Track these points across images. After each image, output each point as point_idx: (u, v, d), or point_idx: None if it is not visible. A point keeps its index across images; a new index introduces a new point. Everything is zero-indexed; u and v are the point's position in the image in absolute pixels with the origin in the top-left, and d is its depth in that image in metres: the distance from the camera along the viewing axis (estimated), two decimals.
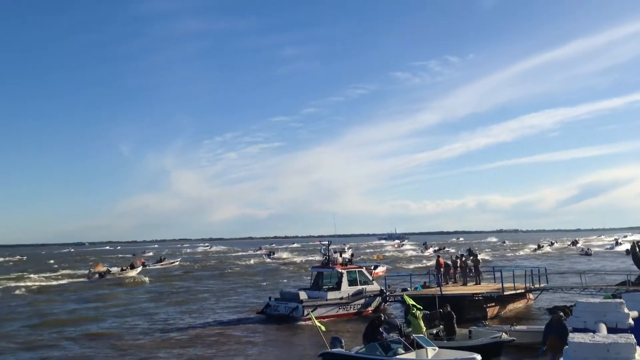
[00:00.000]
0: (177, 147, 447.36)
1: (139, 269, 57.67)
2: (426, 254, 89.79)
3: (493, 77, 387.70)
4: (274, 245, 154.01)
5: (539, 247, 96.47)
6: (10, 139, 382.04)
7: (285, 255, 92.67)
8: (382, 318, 16.75)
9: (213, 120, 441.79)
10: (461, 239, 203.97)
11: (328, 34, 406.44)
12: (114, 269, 57.04)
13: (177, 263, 77.37)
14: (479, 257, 34.98)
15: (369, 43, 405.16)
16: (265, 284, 44.44)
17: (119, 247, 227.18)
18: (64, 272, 62.05)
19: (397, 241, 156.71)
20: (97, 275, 52.97)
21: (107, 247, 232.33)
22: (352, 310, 26.29)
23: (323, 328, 15.68)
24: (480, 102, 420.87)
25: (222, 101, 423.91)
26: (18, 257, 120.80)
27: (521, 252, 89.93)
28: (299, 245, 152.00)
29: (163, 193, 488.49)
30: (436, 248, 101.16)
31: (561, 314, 14.00)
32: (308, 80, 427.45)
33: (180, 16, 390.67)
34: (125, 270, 56.35)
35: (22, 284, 47.33)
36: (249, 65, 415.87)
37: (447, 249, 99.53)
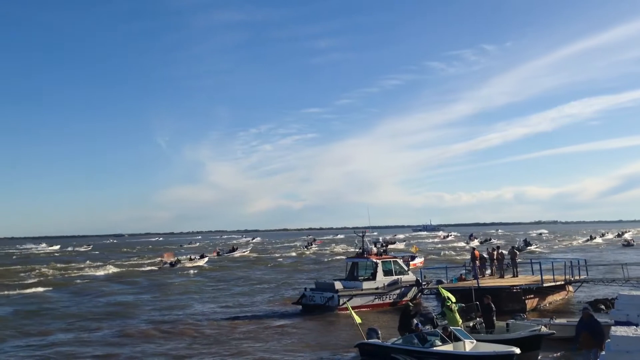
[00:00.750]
0: (213, 139, 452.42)
1: (206, 258, 61.27)
2: (472, 245, 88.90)
3: (531, 65, 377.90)
4: (311, 236, 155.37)
5: (591, 238, 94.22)
6: (54, 130, 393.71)
7: (334, 246, 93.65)
8: (411, 306, 16.74)
9: (248, 112, 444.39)
10: (500, 230, 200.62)
11: (362, 24, 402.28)
12: (183, 258, 60.77)
13: (247, 252, 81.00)
14: (533, 247, 34.19)
15: (403, 33, 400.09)
16: (316, 273, 45.52)
17: (160, 239, 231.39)
18: (140, 260, 68.28)
19: (441, 233, 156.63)
20: (168, 264, 56.25)
21: (156, 238, 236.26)
22: (387, 300, 26.40)
23: (358, 320, 15.74)
24: (518, 91, 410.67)
25: (257, 93, 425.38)
26: (85, 246, 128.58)
27: (573, 243, 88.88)
28: (342, 237, 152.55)
29: (199, 185, 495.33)
30: (482, 240, 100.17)
31: (591, 309, 14.13)
32: (342, 71, 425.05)
33: (219, 8, 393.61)
34: (193, 259, 59.66)
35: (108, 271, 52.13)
36: (283, 57, 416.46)
37: (492, 240, 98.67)
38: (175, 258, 59.61)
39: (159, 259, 61.20)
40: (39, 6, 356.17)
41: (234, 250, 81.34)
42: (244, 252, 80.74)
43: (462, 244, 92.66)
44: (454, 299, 17.32)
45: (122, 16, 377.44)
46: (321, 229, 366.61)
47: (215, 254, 74.04)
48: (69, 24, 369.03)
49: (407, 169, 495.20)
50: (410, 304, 17.27)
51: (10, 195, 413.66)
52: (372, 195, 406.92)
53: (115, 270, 52.87)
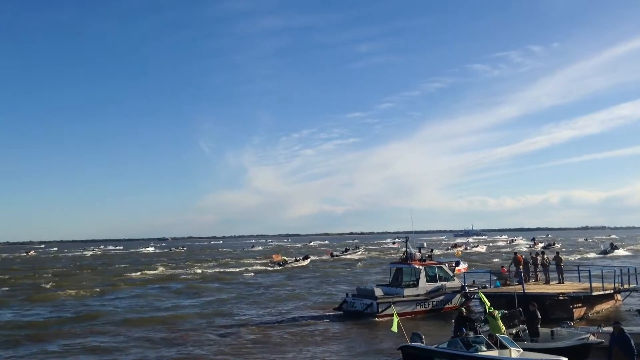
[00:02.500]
0: (255, 144, 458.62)
1: (309, 260, 68.12)
2: (536, 249, 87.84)
3: (579, 66, 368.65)
4: (357, 240, 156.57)
5: None
6: (100, 138, 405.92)
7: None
8: (465, 312, 16.64)
9: (290, 116, 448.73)
10: (549, 235, 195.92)
11: (404, 27, 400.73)
12: (290, 259, 67.31)
13: (360, 253, 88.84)
14: (622, 251, 32.85)
15: (446, 35, 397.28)
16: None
17: (212, 242, 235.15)
18: (244, 261, 75.54)
19: (505, 236, 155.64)
20: (277, 265, 62.69)
21: (212, 243, 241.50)
22: (429, 307, 26.06)
23: (394, 328, 15.67)
24: (565, 93, 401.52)
25: (299, 98, 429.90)
26: (180, 248, 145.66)
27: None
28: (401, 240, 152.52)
29: (241, 190, 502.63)
30: (545, 244, 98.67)
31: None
32: (383, 75, 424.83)
33: (261, 14, 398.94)
34: (298, 260, 66.82)
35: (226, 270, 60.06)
36: (325, 62, 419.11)
37: (556, 244, 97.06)
38: (283, 259, 66.22)
39: (270, 260, 68.13)
40: (92, 18, 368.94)
41: (346, 251, 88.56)
42: (356, 251, 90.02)
43: (524, 248, 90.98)
44: (488, 304, 17.04)
45: (168, 26, 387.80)
46: (362, 233, 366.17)
47: (329, 254, 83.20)
48: (120, 36, 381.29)
49: (450, 173, 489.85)
50: (464, 309, 17.15)
51: (56, 200, 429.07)
52: (413, 199, 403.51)
53: (257, 268, 61.61)
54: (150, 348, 20.30)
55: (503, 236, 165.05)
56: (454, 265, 39.41)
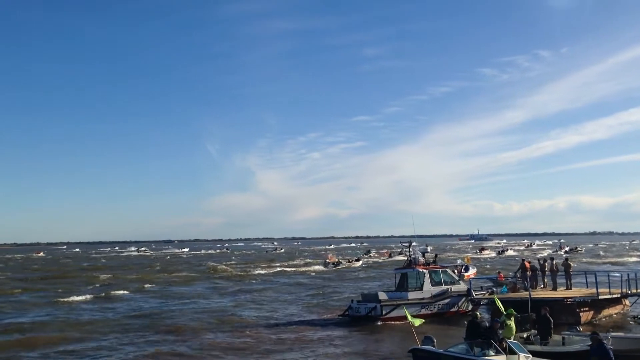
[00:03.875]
0: (262, 147, 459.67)
1: (361, 261, 72.63)
2: (561, 253, 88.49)
3: (588, 71, 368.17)
4: (365, 244, 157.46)
5: None
6: (107, 139, 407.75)
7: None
8: (479, 316, 16.55)
9: (297, 120, 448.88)
10: (562, 240, 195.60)
11: (413, 31, 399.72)
12: (343, 260, 72.35)
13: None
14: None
15: (454, 40, 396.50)
16: None
17: (226, 245, 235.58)
18: (298, 262, 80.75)
19: (525, 241, 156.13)
20: (332, 265, 67.49)
21: (226, 245, 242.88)
22: (434, 310, 26.03)
23: (416, 323, 15.81)
24: (574, 98, 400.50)
25: (306, 101, 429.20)
26: (203, 250, 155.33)
27: None
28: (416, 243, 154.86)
29: (248, 192, 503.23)
30: (567, 248, 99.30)
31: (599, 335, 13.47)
32: (391, 79, 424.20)
33: (268, 17, 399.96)
34: (351, 261, 71.13)
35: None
36: (332, 65, 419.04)
37: (579, 249, 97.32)
38: (338, 260, 71.71)
39: (325, 260, 73.76)
40: (101, 19, 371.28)
41: (401, 252, 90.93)
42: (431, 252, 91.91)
43: (545, 253, 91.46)
44: (502, 308, 17.01)
45: (176, 28, 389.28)
46: (368, 237, 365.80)
47: (387, 254, 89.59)
48: (129, 37, 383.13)
49: (456, 177, 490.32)
50: (478, 314, 17.04)
51: (61, 202, 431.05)
52: (419, 203, 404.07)
53: (317, 268, 66.57)
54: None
55: (524, 241, 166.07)
56: (462, 270, 39.27)
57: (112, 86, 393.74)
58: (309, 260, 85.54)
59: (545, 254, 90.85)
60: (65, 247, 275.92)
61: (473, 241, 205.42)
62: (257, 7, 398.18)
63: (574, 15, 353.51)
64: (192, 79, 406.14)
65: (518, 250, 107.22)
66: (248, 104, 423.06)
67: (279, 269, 66.45)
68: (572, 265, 29.07)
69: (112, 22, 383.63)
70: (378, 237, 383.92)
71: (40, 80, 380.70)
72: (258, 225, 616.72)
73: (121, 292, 40.53)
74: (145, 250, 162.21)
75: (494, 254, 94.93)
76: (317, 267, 67.60)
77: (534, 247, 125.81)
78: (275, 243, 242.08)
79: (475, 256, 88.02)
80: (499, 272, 33.02)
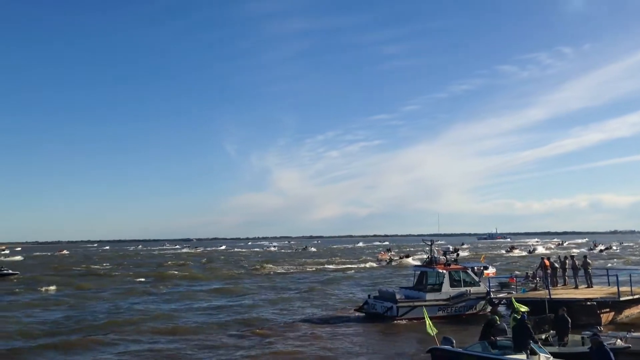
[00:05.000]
0: (280, 146, 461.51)
1: (410, 257, 73.31)
2: (595, 252, 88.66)
3: (610, 68, 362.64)
4: (387, 243, 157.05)
5: None
6: (125, 138, 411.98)
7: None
8: (497, 319, 16.53)
9: (315, 118, 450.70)
10: (586, 239, 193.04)
11: (432, 29, 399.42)
12: (396, 257, 76.06)
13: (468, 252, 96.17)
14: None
15: (474, 36, 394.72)
16: None
17: (249, 244, 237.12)
18: (345, 260, 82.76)
19: (556, 240, 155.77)
20: (384, 262, 71.81)
21: (249, 244, 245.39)
22: (452, 313, 25.66)
23: (429, 330, 15.75)
24: (595, 95, 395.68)
25: (324, 99, 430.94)
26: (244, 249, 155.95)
27: None
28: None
29: (266, 191, 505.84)
30: (602, 247, 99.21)
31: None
32: (410, 77, 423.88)
33: (287, 16, 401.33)
34: (402, 258, 74.23)
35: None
36: (350, 63, 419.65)
37: (613, 247, 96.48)
38: (389, 257, 75.92)
39: (377, 257, 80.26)
40: (119, 19, 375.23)
41: (456, 251, 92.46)
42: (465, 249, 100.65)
43: (577, 251, 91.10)
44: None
45: (194, 28, 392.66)
46: (386, 235, 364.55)
47: (385, 256, 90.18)
48: (147, 37, 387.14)
49: (476, 175, 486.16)
50: (497, 317, 17.02)
51: (81, 201, 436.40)
52: (438, 202, 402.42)
53: (372, 265, 69.87)
54: None
55: (554, 239, 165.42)
56: (482, 269, 38.86)
57: (130, 85, 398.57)
58: (349, 258, 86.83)
59: (577, 252, 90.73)
60: (95, 244, 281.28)
61: (490, 240, 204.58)
62: (276, 7, 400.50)
63: (597, 11, 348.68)
64: (210, 78, 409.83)
65: (549, 249, 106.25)
66: (266, 103, 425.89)
67: (339, 265, 69.86)
68: (590, 263, 28.79)
69: (129, 21, 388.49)
70: (396, 235, 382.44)
71: (56, 79, 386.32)
72: (275, 225, 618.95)
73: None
74: (196, 248, 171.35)
75: (524, 253, 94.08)
76: (371, 264, 70.66)
77: (565, 245, 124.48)
78: (293, 242, 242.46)
79: (506, 255, 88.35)
80: (510, 277, 32.75)
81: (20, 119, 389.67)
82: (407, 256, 76.92)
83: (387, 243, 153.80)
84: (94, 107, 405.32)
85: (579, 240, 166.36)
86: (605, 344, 12.82)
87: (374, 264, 70.63)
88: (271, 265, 68.69)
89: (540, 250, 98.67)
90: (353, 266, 67.39)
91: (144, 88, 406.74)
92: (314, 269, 64.08)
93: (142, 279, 52.03)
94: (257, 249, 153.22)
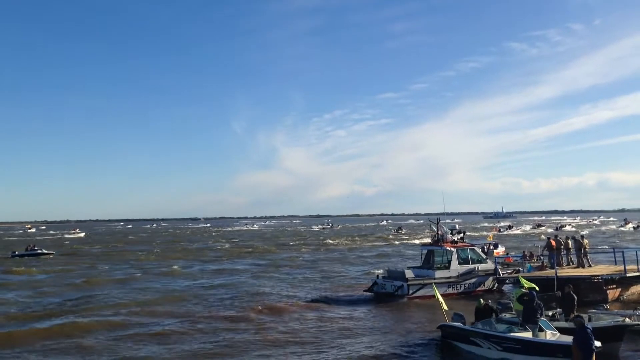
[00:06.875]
0: (287, 125, 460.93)
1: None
2: (626, 229, 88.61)
3: (621, 44, 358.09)
4: (394, 221, 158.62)
5: None
6: (133, 115, 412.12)
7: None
8: (482, 302, 16.74)
9: (322, 97, 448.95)
10: (602, 217, 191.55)
11: (441, 5, 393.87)
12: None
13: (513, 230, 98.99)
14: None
15: (482, 13, 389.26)
16: None
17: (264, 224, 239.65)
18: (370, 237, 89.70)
19: (593, 218, 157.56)
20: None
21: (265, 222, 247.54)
22: (461, 290, 26.09)
23: (445, 306, 16.07)
24: (606, 72, 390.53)
25: (331, 78, 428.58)
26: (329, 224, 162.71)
27: None
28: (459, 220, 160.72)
29: (273, 170, 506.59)
30: (635, 224, 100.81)
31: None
32: (417, 55, 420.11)
33: None
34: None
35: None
36: (358, 41, 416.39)
37: None
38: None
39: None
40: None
41: (510, 227, 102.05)
42: (512, 227, 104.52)
43: (604, 228, 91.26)
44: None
45: (202, 5, 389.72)
46: (393, 214, 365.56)
47: (496, 230, 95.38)
48: (155, 14, 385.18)
49: (483, 154, 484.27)
50: (482, 300, 17.28)
51: (89, 179, 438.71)
52: (445, 181, 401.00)
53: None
54: None
55: (566, 218, 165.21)
56: (491, 247, 38.82)
57: (137, 62, 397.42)
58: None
59: (608, 228, 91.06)
60: (122, 223, 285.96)
61: (496, 219, 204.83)
62: None
63: None
64: (218, 56, 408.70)
65: (578, 226, 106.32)
66: (273, 81, 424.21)
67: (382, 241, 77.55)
68: (587, 242, 28.75)
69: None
70: (403, 214, 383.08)
71: (67, 57, 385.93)
72: (282, 204, 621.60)
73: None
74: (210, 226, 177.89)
75: (550, 230, 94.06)
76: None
77: (597, 222, 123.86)
78: (299, 221, 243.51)
79: (532, 231, 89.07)
80: (507, 254, 32.90)
81: (35, 96, 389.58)
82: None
83: (396, 222, 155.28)
84: (100, 82, 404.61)
85: (613, 218, 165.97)
86: (588, 325, 12.73)
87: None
88: (338, 241, 79.62)
89: (568, 228, 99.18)
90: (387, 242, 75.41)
91: (149, 64, 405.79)
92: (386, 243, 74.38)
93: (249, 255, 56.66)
94: (288, 228, 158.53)
